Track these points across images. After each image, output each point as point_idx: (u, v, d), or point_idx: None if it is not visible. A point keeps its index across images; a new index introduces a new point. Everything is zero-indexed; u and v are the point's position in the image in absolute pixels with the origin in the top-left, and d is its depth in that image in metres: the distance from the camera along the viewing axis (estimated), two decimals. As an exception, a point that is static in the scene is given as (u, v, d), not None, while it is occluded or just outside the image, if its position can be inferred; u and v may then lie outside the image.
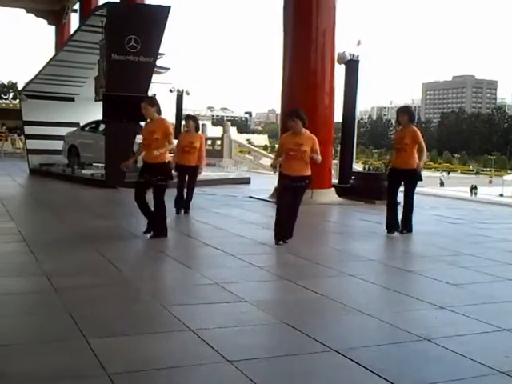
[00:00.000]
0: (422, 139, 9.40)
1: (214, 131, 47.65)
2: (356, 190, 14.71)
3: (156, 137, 8.35)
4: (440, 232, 9.72)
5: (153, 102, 8.67)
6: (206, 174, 21.05)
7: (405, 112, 9.59)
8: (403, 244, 8.71)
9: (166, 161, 8.55)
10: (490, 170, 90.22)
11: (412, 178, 9.42)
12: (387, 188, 9.90)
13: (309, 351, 4.19)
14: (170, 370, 3.79)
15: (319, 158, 8.15)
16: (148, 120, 8.78)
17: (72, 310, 4.94)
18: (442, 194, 20.11)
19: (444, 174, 75.42)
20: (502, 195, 49.76)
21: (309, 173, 8.21)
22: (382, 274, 7.00)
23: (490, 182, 65.09)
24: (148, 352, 4.12)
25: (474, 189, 46.51)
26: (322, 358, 4.08)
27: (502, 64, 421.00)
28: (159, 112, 8.60)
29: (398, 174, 9.50)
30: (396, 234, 9.42)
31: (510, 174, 77.68)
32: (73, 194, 15.19)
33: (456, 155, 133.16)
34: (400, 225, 9.52)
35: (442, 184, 60.30)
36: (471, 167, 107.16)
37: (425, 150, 9.45)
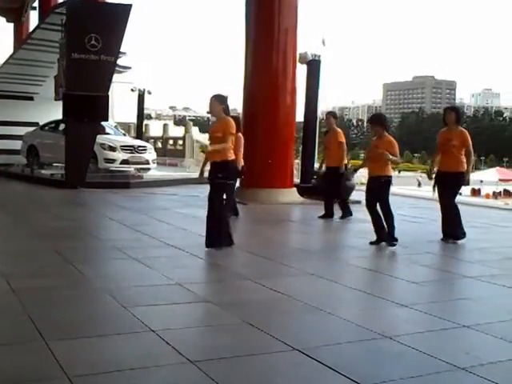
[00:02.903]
0: (470, 142, 8.98)
1: (176, 131, 47.42)
2: (317, 189, 14.79)
3: (218, 135, 7.89)
4: (402, 231, 9.81)
5: (221, 99, 8.01)
6: (168, 173, 21.07)
7: (452, 110, 9.23)
8: (364, 243, 8.76)
9: (230, 159, 7.90)
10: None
11: (456, 181, 8.96)
12: (439, 196, 9.29)
13: (271, 350, 4.20)
14: (132, 372, 3.76)
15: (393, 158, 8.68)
16: (214, 119, 8.22)
17: (31, 312, 4.86)
18: (405, 194, 20.36)
19: (421, 174, 75.26)
20: (460, 194, 50.45)
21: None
22: (344, 273, 7.05)
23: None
24: (109, 354, 4.08)
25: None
26: (285, 357, 4.09)
27: (460, 65, 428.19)
28: (227, 111, 8.01)
29: (443, 177, 9.07)
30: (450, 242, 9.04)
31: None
32: (32, 194, 14.96)
33: (416, 155, 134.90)
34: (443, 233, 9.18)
35: (419, 185, 60.61)
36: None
37: (472, 154, 9.07)
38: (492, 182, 53.99)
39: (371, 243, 8.60)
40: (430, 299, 5.83)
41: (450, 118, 9.08)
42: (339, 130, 11.86)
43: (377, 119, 9.22)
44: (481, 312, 5.46)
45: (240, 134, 10.62)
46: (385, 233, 8.58)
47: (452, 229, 9.11)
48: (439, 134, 9.32)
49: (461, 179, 8.95)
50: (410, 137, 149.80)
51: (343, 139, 11.55)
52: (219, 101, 7.95)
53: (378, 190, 8.76)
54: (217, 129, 8.00)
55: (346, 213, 11.45)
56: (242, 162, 10.68)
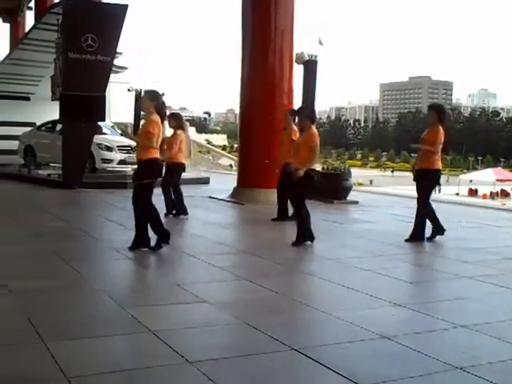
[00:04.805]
0: (439, 140, 8.65)
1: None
2: (314, 189, 14.75)
3: (141, 132, 7.75)
4: (396, 231, 9.82)
5: (154, 96, 7.75)
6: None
7: (432, 109, 9.07)
8: (361, 243, 8.77)
9: (149, 158, 7.60)
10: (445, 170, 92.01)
11: (424, 179, 8.83)
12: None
13: (269, 350, 4.21)
14: (131, 372, 3.77)
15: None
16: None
17: (30, 314, 4.86)
18: (399, 194, 20.34)
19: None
20: (457, 194, 50.74)
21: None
22: (341, 273, 7.05)
23: (447, 181, 66.22)
24: (108, 354, 4.09)
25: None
26: (282, 357, 4.10)
27: (456, 65, 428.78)
28: (159, 111, 7.66)
29: (416, 175, 8.96)
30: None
31: (465, 173, 78.93)
32: (29, 194, 14.92)
33: (413, 155, 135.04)
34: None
35: None
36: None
37: (437, 150, 8.68)
38: (489, 182, 54.21)
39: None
40: (427, 299, 5.85)
41: (430, 116, 9.00)
42: (295, 127, 11.03)
43: (303, 112, 9.03)
44: (478, 312, 5.48)
45: (179, 132, 10.73)
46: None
47: (418, 230, 8.88)
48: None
49: (429, 177, 8.83)
50: (406, 137, 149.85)
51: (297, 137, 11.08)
52: (149, 97, 7.76)
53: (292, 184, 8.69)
54: (142, 125, 7.90)
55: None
56: (181, 160, 11.04)
